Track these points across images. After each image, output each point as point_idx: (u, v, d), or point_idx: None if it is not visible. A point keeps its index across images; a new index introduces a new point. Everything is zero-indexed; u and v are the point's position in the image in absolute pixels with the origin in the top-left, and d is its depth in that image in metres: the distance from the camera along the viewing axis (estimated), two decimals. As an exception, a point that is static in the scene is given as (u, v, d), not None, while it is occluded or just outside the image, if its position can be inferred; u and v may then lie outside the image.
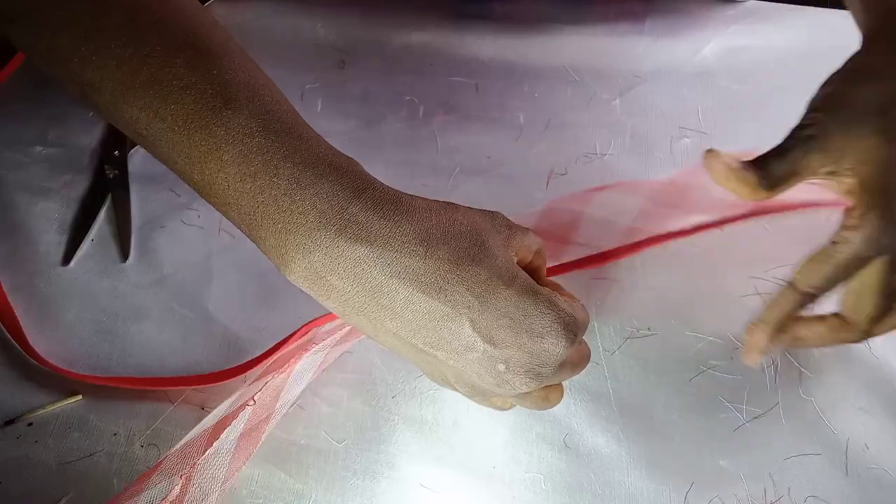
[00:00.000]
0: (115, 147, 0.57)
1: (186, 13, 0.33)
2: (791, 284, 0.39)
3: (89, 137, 0.58)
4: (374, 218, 0.31)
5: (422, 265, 0.32)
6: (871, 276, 0.38)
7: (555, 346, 0.33)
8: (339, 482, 0.42)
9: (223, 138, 0.31)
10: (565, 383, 0.46)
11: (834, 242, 0.37)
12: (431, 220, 0.33)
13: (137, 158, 0.57)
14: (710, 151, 0.39)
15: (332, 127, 0.59)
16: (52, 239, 0.52)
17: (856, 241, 0.36)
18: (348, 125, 0.59)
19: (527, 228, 0.38)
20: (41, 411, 0.44)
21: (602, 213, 0.51)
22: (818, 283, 0.38)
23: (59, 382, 0.45)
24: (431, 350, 0.33)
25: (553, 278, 0.41)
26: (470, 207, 0.36)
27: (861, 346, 0.47)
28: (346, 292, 0.32)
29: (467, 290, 0.32)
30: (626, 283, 0.50)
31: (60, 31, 0.32)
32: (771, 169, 0.37)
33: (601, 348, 0.47)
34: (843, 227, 0.37)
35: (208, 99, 0.31)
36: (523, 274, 0.35)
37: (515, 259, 0.36)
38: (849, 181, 0.37)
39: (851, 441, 0.44)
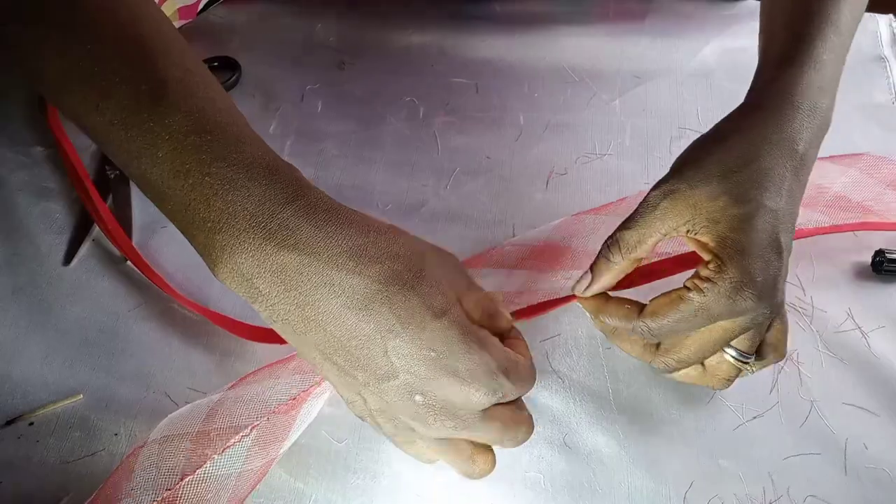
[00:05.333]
0: (115, 147, 0.57)
1: (129, 6, 0.33)
2: (640, 307, 0.39)
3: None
4: (306, 225, 0.31)
5: (349, 280, 0.31)
6: (711, 329, 0.38)
7: (475, 391, 0.32)
8: (340, 481, 0.42)
9: (158, 135, 0.30)
10: (560, 392, 0.46)
11: (687, 288, 0.37)
12: (368, 237, 0.32)
13: (138, 159, 0.57)
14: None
15: (332, 128, 0.60)
16: (52, 239, 0.52)
17: (709, 294, 0.36)
18: (348, 126, 0.60)
19: (486, 292, 0.36)
20: (42, 411, 0.44)
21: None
22: (663, 321, 0.38)
23: (61, 382, 0.46)
24: (352, 370, 0.32)
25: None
26: (420, 239, 0.35)
27: (861, 346, 0.47)
28: (271, 298, 0.31)
29: (392, 313, 0.31)
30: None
31: (8, 20, 0.32)
32: (625, 239, 0.39)
33: (601, 347, 0.47)
34: (698, 276, 0.37)
35: (143, 95, 0.31)
36: (458, 310, 0.33)
37: (458, 303, 0.34)
38: (703, 238, 0.38)
39: (851, 441, 0.44)
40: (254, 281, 0.31)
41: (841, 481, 0.42)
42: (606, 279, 0.40)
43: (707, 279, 0.36)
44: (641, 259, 0.40)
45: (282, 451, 0.40)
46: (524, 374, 0.35)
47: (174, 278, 0.50)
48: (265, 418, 0.38)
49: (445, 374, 0.32)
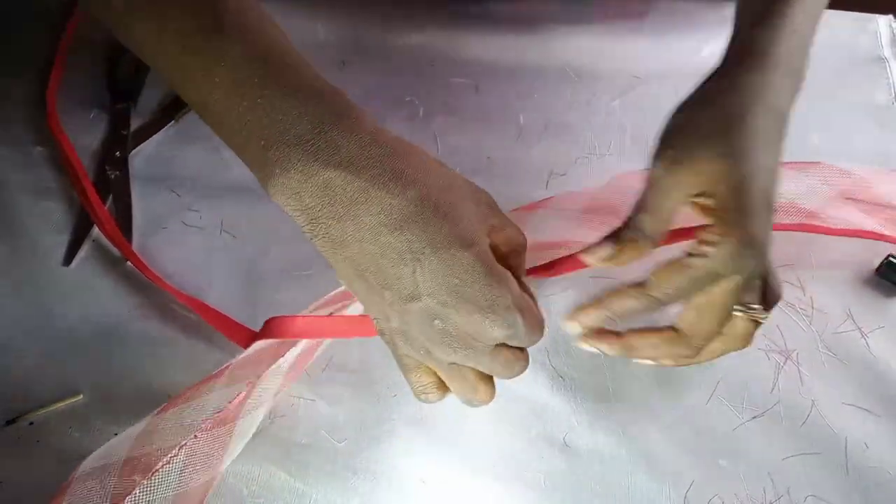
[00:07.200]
0: (116, 148, 0.57)
1: None
2: (640, 286, 0.39)
3: (90, 138, 0.58)
4: (351, 145, 0.33)
5: (388, 199, 0.33)
6: (718, 294, 0.38)
7: (491, 324, 0.34)
8: (340, 482, 0.42)
9: (215, 61, 0.33)
10: (560, 391, 0.46)
11: (691, 255, 0.38)
12: (408, 162, 0.34)
13: (139, 159, 0.57)
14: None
15: (332, 127, 0.59)
16: (52, 239, 0.52)
17: (714, 257, 0.37)
18: (348, 125, 0.59)
19: (514, 224, 0.38)
20: (42, 411, 0.44)
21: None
22: (670, 290, 0.38)
23: (61, 382, 0.46)
24: (380, 289, 0.34)
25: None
26: (456, 173, 0.36)
27: (860, 346, 0.47)
28: (315, 211, 0.33)
29: (425, 235, 0.33)
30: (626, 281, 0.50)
31: None
32: (639, 224, 0.38)
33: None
34: (702, 241, 0.38)
35: (202, 24, 0.33)
36: (486, 245, 0.35)
37: (487, 238, 0.36)
38: (707, 202, 0.38)
39: (851, 440, 0.44)
40: (301, 195, 0.33)
41: (841, 481, 0.42)
42: (628, 257, 0.39)
43: (711, 243, 0.37)
44: (660, 241, 0.39)
45: (224, 465, 0.40)
46: (535, 320, 0.36)
47: (173, 279, 0.50)
48: (192, 436, 0.38)
49: (464, 303, 0.33)
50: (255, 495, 0.42)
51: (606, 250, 0.39)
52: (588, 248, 0.40)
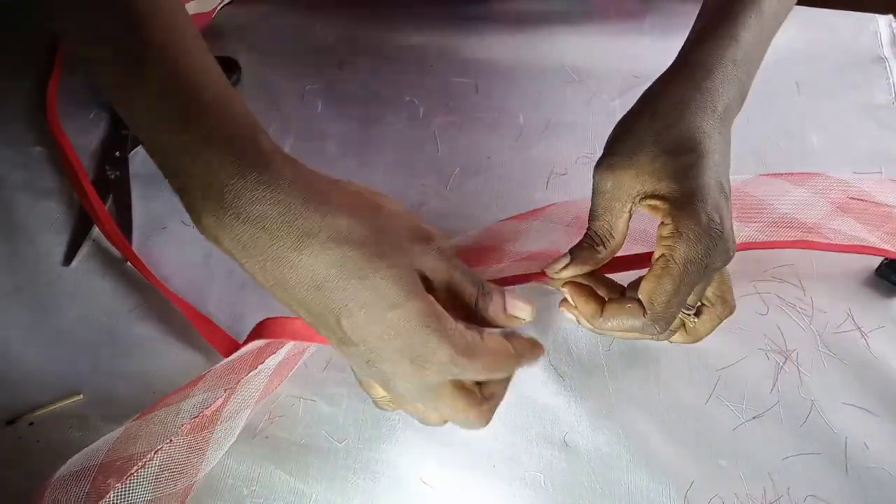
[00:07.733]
0: (116, 148, 0.57)
1: None
2: (638, 304, 0.39)
3: (90, 138, 0.58)
4: (260, 200, 0.31)
5: (301, 260, 0.31)
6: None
7: (427, 373, 0.32)
8: (340, 481, 0.42)
9: (138, 97, 0.32)
10: (560, 391, 0.46)
11: (662, 256, 0.38)
12: (324, 220, 0.31)
13: (138, 159, 0.57)
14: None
15: (332, 127, 0.60)
16: (52, 239, 0.52)
17: (680, 245, 0.37)
18: (348, 126, 0.60)
19: (470, 274, 0.35)
20: (42, 411, 0.44)
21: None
22: (666, 305, 0.38)
23: (61, 382, 0.46)
24: (317, 326, 0.33)
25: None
26: (403, 214, 0.34)
27: (860, 346, 0.47)
28: (237, 258, 0.32)
29: (346, 297, 0.31)
30: (624, 281, 0.50)
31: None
32: (600, 231, 0.40)
33: (601, 347, 0.47)
34: (662, 238, 0.38)
35: (127, 60, 0.33)
36: (415, 299, 0.32)
37: (416, 286, 0.32)
38: (654, 201, 0.38)
39: (851, 440, 0.44)
40: (220, 241, 0.32)
41: (841, 481, 0.42)
42: (586, 267, 0.41)
43: (670, 235, 0.37)
44: (620, 245, 0.41)
45: (202, 472, 0.40)
46: (497, 360, 0.34)
47: (173, 279, 0.50)
48: (168, 441, 0.38)
49: (397, 355, 0.32)
50: (255, 495, 0.42)
51: (562, 261, 0.41)
52: (549, 263, 0.41)
